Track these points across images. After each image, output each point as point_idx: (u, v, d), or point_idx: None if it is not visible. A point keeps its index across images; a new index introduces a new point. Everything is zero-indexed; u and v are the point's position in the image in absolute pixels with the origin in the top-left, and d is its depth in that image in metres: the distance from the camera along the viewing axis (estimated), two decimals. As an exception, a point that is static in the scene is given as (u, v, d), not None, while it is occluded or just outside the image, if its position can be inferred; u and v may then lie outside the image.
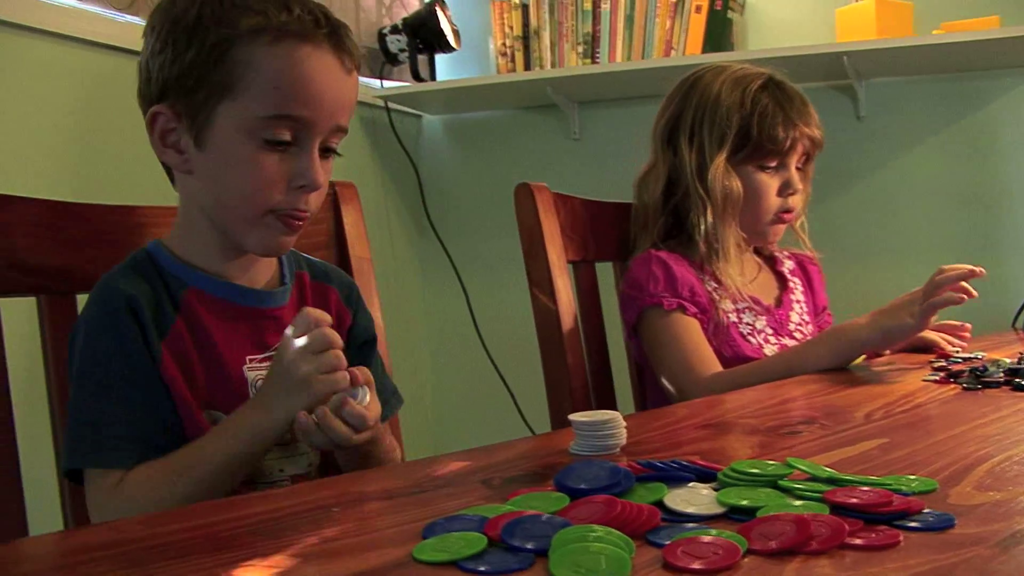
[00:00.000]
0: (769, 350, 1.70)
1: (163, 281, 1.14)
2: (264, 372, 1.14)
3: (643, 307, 1.69)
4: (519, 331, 3.26)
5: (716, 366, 1.62)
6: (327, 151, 1.16)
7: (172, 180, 1.20)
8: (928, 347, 1.65)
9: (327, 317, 1.08)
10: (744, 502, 0.71)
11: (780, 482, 0.76)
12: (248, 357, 1.16)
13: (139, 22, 2.19)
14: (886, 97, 3.02)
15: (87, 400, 1.07)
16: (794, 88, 1.75)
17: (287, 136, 1.10)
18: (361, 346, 1.31)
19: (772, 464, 0.81)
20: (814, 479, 0.77)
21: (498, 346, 3.33)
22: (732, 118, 1.70)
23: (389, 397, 1.33)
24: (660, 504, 0.72)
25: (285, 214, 1.13)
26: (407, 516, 0.74)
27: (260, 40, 1.07)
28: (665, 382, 1.67)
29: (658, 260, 1.69)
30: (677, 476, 0.78)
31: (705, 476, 0.79)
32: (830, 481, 0.76)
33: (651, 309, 1.68)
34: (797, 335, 1.77)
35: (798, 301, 1.84)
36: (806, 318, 1.82)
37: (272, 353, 1.14)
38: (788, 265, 1.89)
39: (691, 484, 0.78)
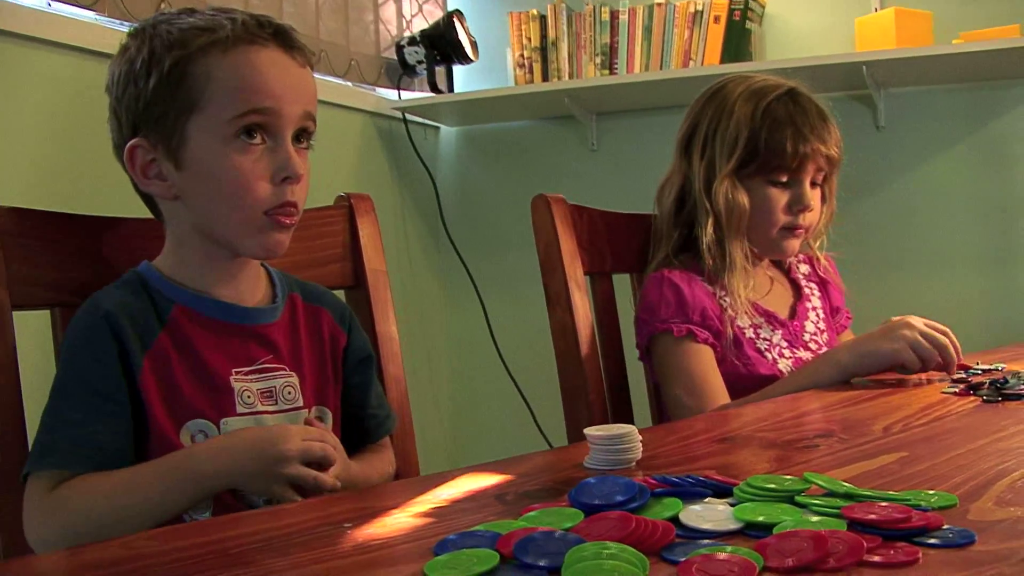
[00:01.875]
0: (783, 365, 1.68)
1: (151, 298, 1.17)
2: (250, 384, 1.17)
3: (653, 332, 1.68)
4: (537, 343, 3.25)
5: (723, 398, 1.61)
6: (301, 144, 1.20)
7: (154, 211, 1.23)
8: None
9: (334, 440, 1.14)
10: (760, 518, 0.70)
11: (797, 497, 0.75)
12: (235, 369, 1.17)
13: (118, 26, 2.19)
14: (905, 107, 3.00)
15: (51, 411, 1.09)
16: (813, 102, 1.71)
17: (258, 134, 1.14)
18: (358, 365, 1.33)
19: (789, 479, 0.80)
20: (831, 494, 0.76)
21: (516, 358, 3.33)
22: (742, 131, 1.67)
23: (383, 420, 1.36)
24: (675, 520, 0.72)
25: (277, 211, 1.16)
26: (419, 532, 0.73)
27: (213, 52, 1.13)
28: (669, 410, 1.67)
29: (670, 283, 1.68)
30: (693, 491, 0.77)
31: (721, 491, 0.79)
32: (848, 496, 0.75)
33: (661, 335, 1.67)
34: (812, 345, 1.75)
35: (814, 308, 1.82)
36: (822, 326, 1.80)
37: (260, 366, 1.19)
38: (803, 269, 1.88)
39: (707, 499, 0.77)
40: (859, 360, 1.50)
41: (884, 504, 0.71)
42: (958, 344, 1.50)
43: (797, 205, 1.70)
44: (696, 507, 0.74)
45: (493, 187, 3.49)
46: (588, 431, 0.95)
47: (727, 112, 1.70)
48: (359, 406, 1.33)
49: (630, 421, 1.75)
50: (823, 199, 1.76)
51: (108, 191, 2.02)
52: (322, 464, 1.09)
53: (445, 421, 3.51)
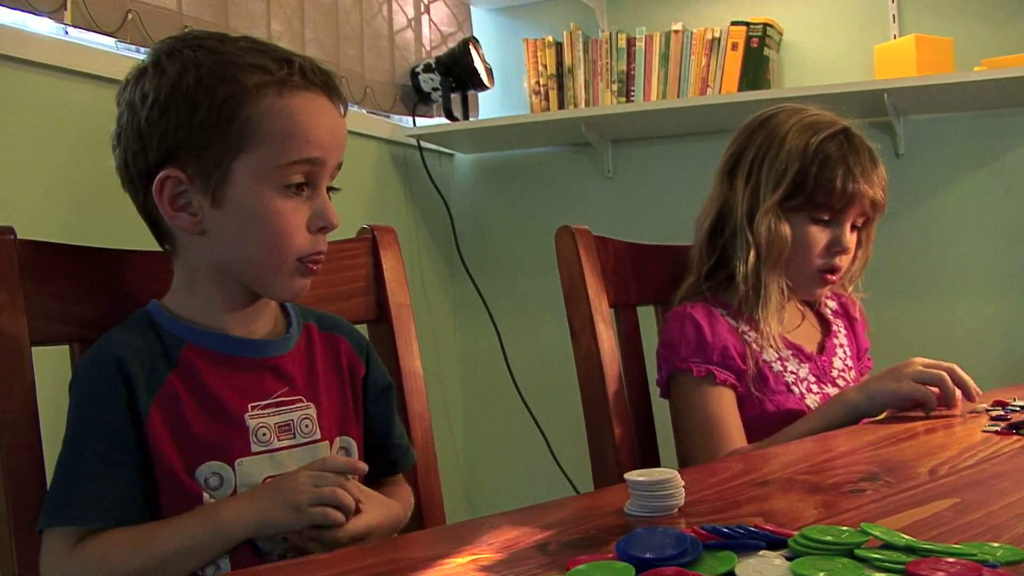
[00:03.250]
0: (811, 400, 1.65)
1: (160, 339, 1.14)
2: (267, 419, 1.15)
3: (673, 370, 1.65)
4: (552, 372, 3.24)
5: (739, 441, 1.58)
6: (328, 189, 1.19)
7: (168, 243, 1.19)
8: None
9: (347, 463, 1.14)
10: (821, 574, 0.67)
11: (856, 551, 0.72)
12: (250, 405, 1.15)
13: (136, 54, 2.18)
14: (925, 134, 2.98)
15: (64, 463, 1.08)
16: (866, 144, 1.68)
17: (302, 179, 1.13)
18: (379, 395, 1.31)
19: (846, 531, 0.76)
20: (891, 547, 0.73)
21: (531, 387, 3.30)
22: (792, 162, 1.63)
23: (406, 451, 1.35)
24: (731, 575, 0.69)
25: (308, 260, 1.15)
26: (463, 587, 0.70)
27: (267, 93, 1.11)
28: (681, 452, 1.64)
29: (691, 320, 1.65)
30: (746, 544, 0.74)
31: (775, 543, 0.75)
32: (908, 550, 0.72)
33: (681, 374, 1.64)
34: (840, 382, 1.72)
35: (841, 345, 1.78)
36: (849, 363, 1.77)
37: (276, 399, 1.16)
38: (831, 306, 1.85)
39: (760, 552, 0.74)
40: (868, 400, 1.48)
41: (951, 560, 0.68)
42: (966, 377, 1.47)
43: (836, 247, 1.67)
44: (751, 560, 0.71)
45: (508, 215, 3.47)
46: (629, 476, 0.92)
47: (777, 142, 1.66)
48: (382, 436, 1.31)
49: (656, 457, 1.72)
50: (859, 243, 1.73)
51: (126, 222, 2.00)
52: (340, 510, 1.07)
53: (460, 452, 3.48)
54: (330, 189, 1.19)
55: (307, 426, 1.18)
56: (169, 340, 1.14)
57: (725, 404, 1.61)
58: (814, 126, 1.67)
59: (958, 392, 1.45)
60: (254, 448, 1.13)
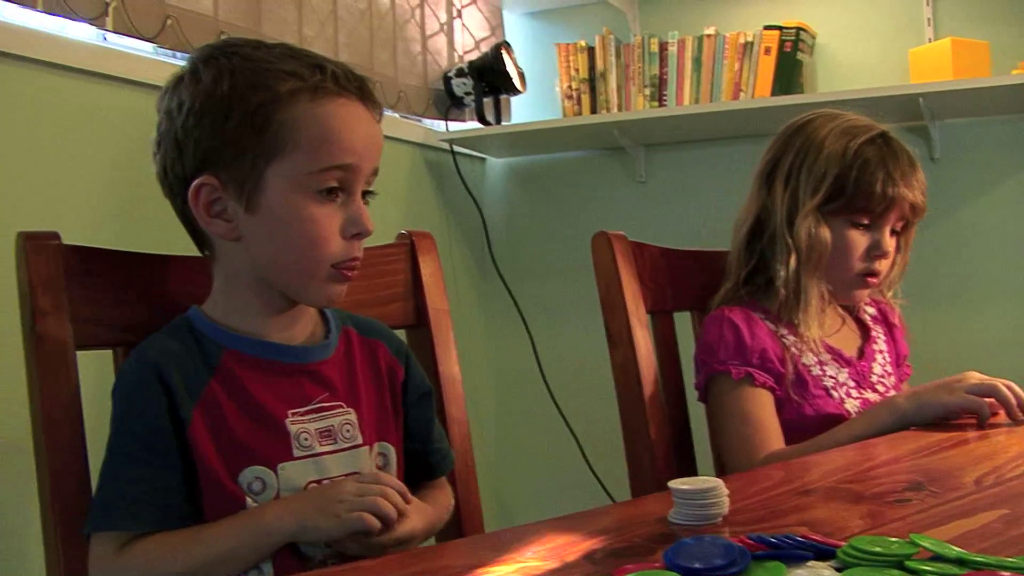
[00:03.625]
0: (851, 405, 1.64)
1: (199, 345, 1.15)
2: (307, 424, 1.15)
3: (711, 373, 1.65)
4: (587, 378, 3.22)
5: (778, 443, 1.57)
6: (364, 194, 1.19)
7: (202, 248, 1.21)
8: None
9: (393, 481, 1.12)
10: (873, 586, 0.67)
11: (907, 563, 0.72)
12: (290, 411, 1.15)
13: (173, 59, 2.20)
14: (960, 138, 2.96)
15: (109, 468, 1.09)
16: (904, 148, 1.67)
17: (336, 185, 1.13)
18: (419, 400, 1.31)
19: (895, 542, 0.76)
20: (941, 559, 0.73)
21: (564, 392, 3.29)
22: (831, 167, 1.63)
23: (446, 455, 1.35)
24: (781, 586, 0.68)
25: (343, 266, 1.15)
26: (512, 596, 0.70)
27: (300, 99, 1.11)
28: (720, 455, 1.63)
29: (729, 323, 1.64)
30: (794, 554, 0.74)
31: (823, 553, 0.75)
32: (960, 562, 0.72)
33: (719, 376, 1.63)
34: (879, 387, 1.71)
35: (880, 351, 1.77)
36: (888, 369, 1.76)
37: (316, 405, 1.17)
38: (870, 312, 1.84)
39: (809, 563, 0.73)
40: (918, 410, 1.46)
41: (1006, 574, 0.67)
42: (1021, 392, 1.45)
43: (875, 251, 1.67)
44: (800, 571, 0.71)
45: (540, 219, 3.47)
46: (673, 484, 0.92)
47: (815, 147, 1.66)
48: (423, 441, 1.31)
49: (692, 464, 1.71)
50: (898, 248, 1.72)
51: (166, 227, 2.02)
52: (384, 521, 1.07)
53: (491, 458, 3.47)
54: (367, 194, 1.19)
55: (348, 431, 1.18)
56: (209, 346, 1.15)
57: (764, 406, 1.61)
58: (852, 130, 1.66)
59: (1013, 399, 1.43)
60: (296, 453, 1.13)
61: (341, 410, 1.19)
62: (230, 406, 1.12)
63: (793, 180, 1.67)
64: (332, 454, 1.16)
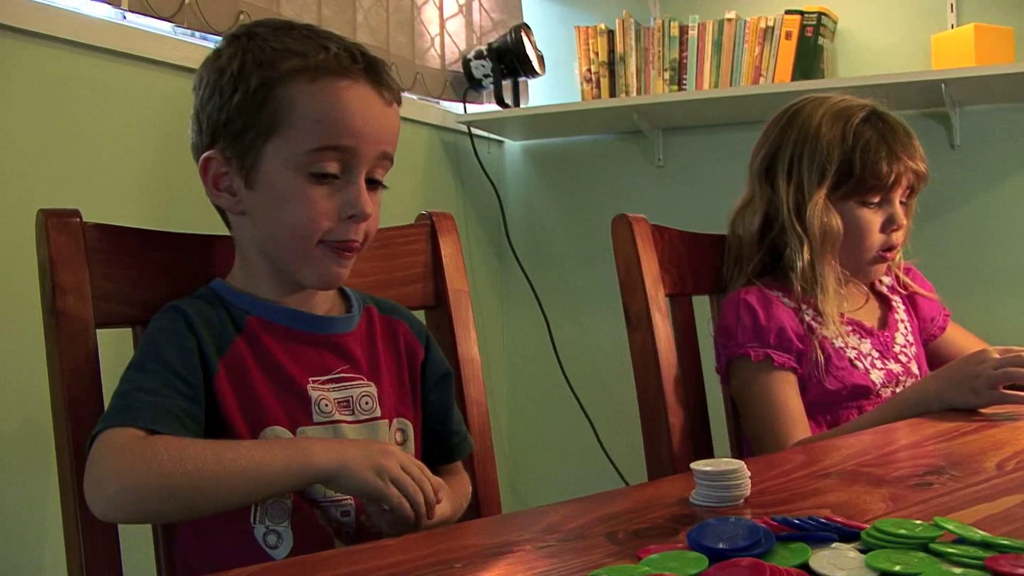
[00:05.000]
0: (876, 376, 1.64)
1: (226, 309, 1.16)
2: (327, 393, 1.16)
3: (731, 356, 1.65)
4: (603, 362, 3.23)
5: (803, 428, 1.57)
6: (374, 183, 1.18)
7: (227, 222, 1.23)
8: None
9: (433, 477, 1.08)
10: (898, 568, 0.67)
11: (931, 545, 0.71)
12: (311, 378, 1.16)
13: (193, 38, 2.21)
14: (981, 125, 2.93)
15: (129, 380, 1.06)
16: (897, 120, 1.69)
17: (334, 168, 1.13)
18: (438, 381, 1.31)
19: (919, 524, 0.76)
20: (965, 541, 0.72)
21: (579, 375, 3.29)
22: (833, 153, 1.64)
23: (464, 438, 1.35)
24: (805, 567, 0.68)
25: (336, 244, 1.15)
26: (537, 573, 0.70)
27: (299, 79, 1.11)
28: (748, 437, 1.63)
29: (746, 305, 1.64)
30: (819, 536, 0.74)
31: (847, 535, 0.75)
32: (985, 545, 0.71)
33: (739, 359, 1.63)
34: (902, 357, 1.70)
35: (902, 320, 1.77)
36: (910, 339, 1.76)
37: (337, 376, 1.17)
38: (887, 281, 1.83)
39: (834, 544, 0.73)
40: (942, 407, 1.43)
41: (1032, 557, 0.67)
42: None
43: (891, 225, 1.68)
44: (825, 553, 0.71)
45: (558, 202, 3.46)
46: (696, 466, 0.92)
47: (812, 135, 1.67)
48: (440, 423, 1.31)
49: (709, 447, 1.71)
50: (906, 215, 1.73)
51: (188, 205, 2.02)
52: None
53: (505, 441, 3.47)
54: (377, 184, 1.18)
55: (367, 403, 1.18)
56: (234, 311, 1.17)
57: (786, 389, 1.60)
58: (844, 113, 1.67)
59: None
60: (316, 418, 1.14)
61: (361, 382, 1.19)
62: (254, 365, 1.13)
63: (796, 173, 1.68)
64: (351, 424, 1.16)
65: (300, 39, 1.14)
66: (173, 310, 1.13)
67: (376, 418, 1.19)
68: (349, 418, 1.16)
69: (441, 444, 1.31)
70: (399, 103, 1.20)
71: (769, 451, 1.52)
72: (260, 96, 1.11)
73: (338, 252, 1.15)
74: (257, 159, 1.13)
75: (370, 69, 1.15)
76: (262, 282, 1.19)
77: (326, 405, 1.15)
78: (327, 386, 1.16)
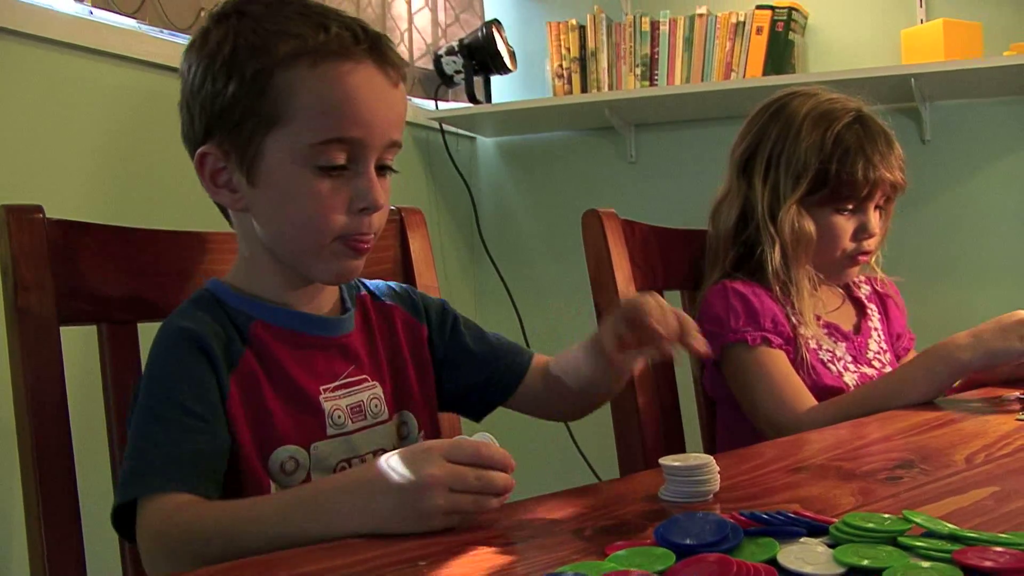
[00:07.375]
0: (849, 378, 1.64)
1: (228, 316, 1.09)
2: (339, 400, 1.11)
3: (725, 343, 1.62)
4: (575, 357, 3.22)
5: (810, 399, 1.55)
6: (383, 168, 1.10)
7: (227, 217, 1.16)
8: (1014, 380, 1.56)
9: (498, 455, 0.94)
10: (866, 562, 0.66)
11: (899, 539, 0.71)
12: (322, 387, 1.10)
13: (159, 34, 2.18)
14: (952, 120, 2.95)
15: (139, 433, 1.00)
16: (880, 126, 1.67)
17: (342, 160, 1.05)
18: (452, 333, 1.28)
19: (888, 518, 0.75)
20: (934, 535, 0.72)
21: (552, 371, 3.27)
22: (811, 159, 1.63)
23: (518, 353, 1.31)
24: (773, 562, 0.68)
25: (351, 239, 1.08)
26: (503, 572, 0.69)
27: (299, 64, 1.03)
28: (758, 420, 1.60)
29: (735, 292, 1.63)
30: (787, 531, 0.73)
31: (816, 530, 0.74)
32: (952, 538, 0.71)
33: (735, 345, 1.62)
34: (875, 363, 1.71)
35: (875, 328, 1.77)
36: (884, 346, 1.76)
37: (344, 380, 1.12)
38: (864, 290, 1.83)
39: (802, 539, 0.73)
40: (983, 358, 1.42)
41: (999, 549, 0.67)
42: None
43: (863, 233, 1.68)
44: (793, 547, 0.71)
45: (530, 198, 3.46)
46: (664, 461, 0.92)
47: (793, 135, 1.65)
48: (486, 355, 1.28)
49: (682, 443, 1.70)
50: (880, 220, 1.72)
51: (152, 201, 2.00)
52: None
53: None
54: (386, 169, 1.11)
55: (376, 406, 1.15)
56: (237, 317, 1.09)
57: (785, 365, 1.60)
58: (828, 115, 1.66)
59: None
60: (329, 431, 1.09)
61: (367, 384, 1.15)
62: (265, 380, 1.07)
63: (773, 172, 1.68)
64: (361, 431, 1.12)
65: (295, 17, 1.05)
66: (178, 333, 1.04)
67: (384, 421, 1.15)
68: (360, 424, 1.12)
69: (512, 366, 1.28)
70: (404, 80, 1.11)
71: (785, 431, 1.45)
72: (258, 84, 1.03)
73: (353, 246, 1.08)
74: (258, 152, 1.05)
75: (374, 48, 1.06)
76: (267, 280, 1.12)
77: (339, 416, 1.10)
78: (338, 392, 1.11)
